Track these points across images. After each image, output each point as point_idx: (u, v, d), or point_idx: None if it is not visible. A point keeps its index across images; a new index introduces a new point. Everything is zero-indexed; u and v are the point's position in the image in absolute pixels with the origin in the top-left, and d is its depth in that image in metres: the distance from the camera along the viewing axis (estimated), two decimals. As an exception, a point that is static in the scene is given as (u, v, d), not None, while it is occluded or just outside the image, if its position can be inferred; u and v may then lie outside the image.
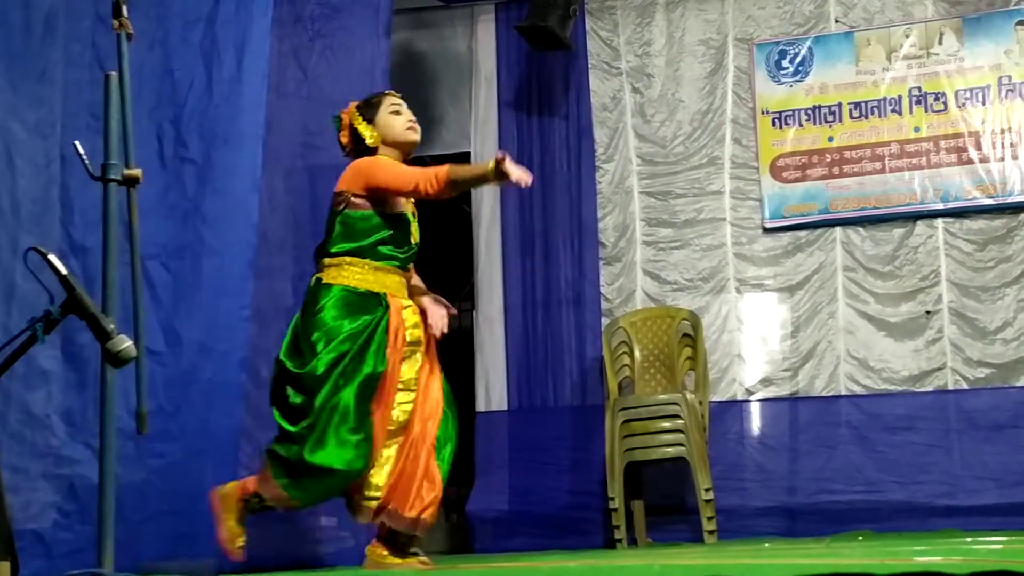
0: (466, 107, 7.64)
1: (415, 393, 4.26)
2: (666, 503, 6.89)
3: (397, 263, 4.32)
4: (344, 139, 4.46)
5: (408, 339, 4.26)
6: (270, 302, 4.75)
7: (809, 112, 7.12)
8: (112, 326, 2.73)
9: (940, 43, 6.92)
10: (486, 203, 7.53)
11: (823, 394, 6.97)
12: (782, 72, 7.19)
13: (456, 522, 7.78)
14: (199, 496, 4.02)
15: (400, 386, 4.22)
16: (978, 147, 6.83)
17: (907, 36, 7.01)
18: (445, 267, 8.95)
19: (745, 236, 7.22)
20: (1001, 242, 6.85)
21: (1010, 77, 6.84)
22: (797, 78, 7.16)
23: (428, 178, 4.15)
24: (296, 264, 4.92)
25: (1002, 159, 6.80)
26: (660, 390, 6.82)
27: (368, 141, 4.37)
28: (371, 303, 4.21)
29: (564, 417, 7.24)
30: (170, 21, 4.41)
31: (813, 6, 7.22)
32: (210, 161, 4.40)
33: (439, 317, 4.34)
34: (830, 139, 7.07)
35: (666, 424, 6.52)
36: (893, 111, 6.98)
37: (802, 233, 7.12)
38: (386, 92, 4.56)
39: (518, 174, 4.02)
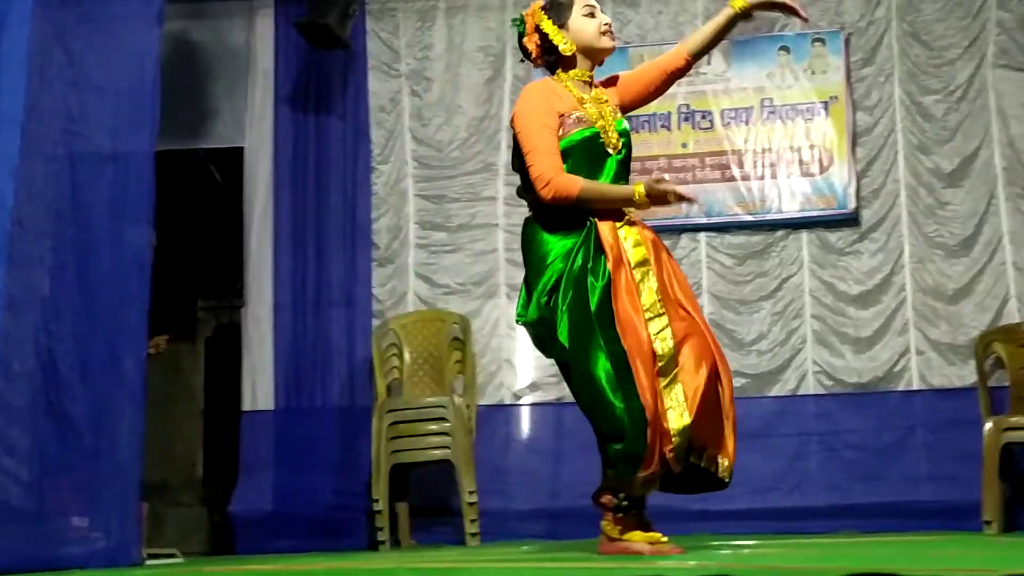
0: (241, 102, 7.50)
1: (666, 316, 3.82)
2: (431, 505, 6.93)
3: (604, 180, 3.94)
4: (530, 45, 4.02)
5: (633, 261, 3.86)
6: (24, 292, 4.55)
7: (583, 123, 7.25)
8: None
9: (708, 63, 7.15)
10: (259, 199, 7.42)
11: (587, 400, 7.10)
12: (558, 83, 7.30)
13: (219, 522, 7.65)
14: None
15: (647, 314, 3.81)
16: (740, 165, 7.09)
17: (678, 54, 7.22)
18: (214, 263, 8.82)
19: (517, 242, 7.28)
20: (759, 257, 7.13)
21: (772, 100, 7.12)
22: (572, 89, 7.29)
23: (554, 186, 3.81)
24: (54, 254, 4.73)
25: (762, 178, 7.07)
26: (428, 393, 6.85)
27: (563, 48, 3.95)
28: (578, 222, 3.86)
29: (331, 418, 7.20)
30: (-80, -1, 4.19)
31: (589, 20, 7.37)
32: (-37, 144, 4.19)
33: None
34: (602, 151, 7.21)
35: (433, 427, 6.55)
36: (663, 126, 7.19)
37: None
38: None
39: (681, 193, 3.79)
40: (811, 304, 7.05)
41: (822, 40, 7.12)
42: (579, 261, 3.81)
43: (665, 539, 3.93)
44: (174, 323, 7.79)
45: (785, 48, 7.14)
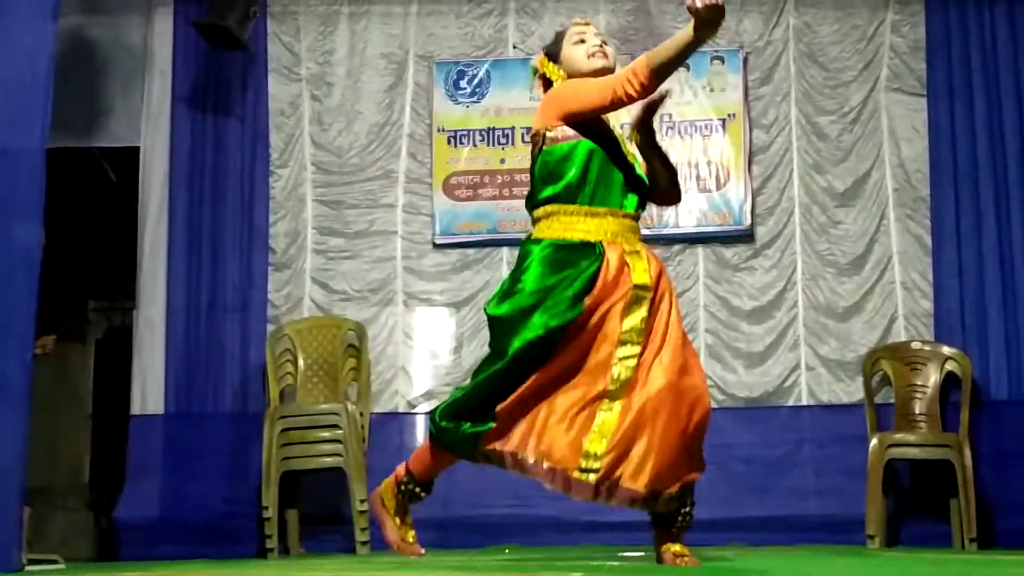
0: (138, 101, 7.37)
1: (639, 346, 3.71)
2: (322, 513, 6.88)
3: (617, 203, 3.86)
4: (540, 89, 4.11)
5: (634, 281, 3.76)
6: None
7: (483, 133, 7.27)
8: None
9: (609, 77, 7.20)
10: (154, 200, 7.30)
11: (482, 409, 7.09)
12: (460, 92, 7.32)
13: (105, 528, 7.52)
14: None
15: (623, 337, 3.72)
16: (638, 180, 7.14)
17: (579, 68, 7.26)
18: (107, 264, 8.67)
19: (415, 250, 7.30)
20: (655, 271, 7.18)
21: (671, 115, 7.19)
22: (474, 99, 7.31)
23: (625, 80, 3.67)
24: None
25: (659, 192, 7.12)
26: (322, 399, 6.80)
27: (555, 81, 4.01)
28: (582, 254, 3.79)
29: (223, 423, 7.11)
30: None
31: (493, 30, 7.39)
32: None
33: None
34: (502, 161, 7.24)
35: (325, 434, 6.51)
36: (563, 138, 7.21)
37: (471, 251, 7.26)
38: (574, 21, 4.09)
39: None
40: (705, 318, 7.13)
41: (721, 58, 7.21)
42: (546, 297, 3.77)
43: (413, 541, 4.12)
44: (63, 323, 7.65)
45: (685, 65, 7.19)
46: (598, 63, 3.98)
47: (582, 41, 4.01)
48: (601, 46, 4.01)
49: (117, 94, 7.40)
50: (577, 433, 3.71)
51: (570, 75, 4.00)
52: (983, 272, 6.91)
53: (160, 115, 7.36)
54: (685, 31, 3.59)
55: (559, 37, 4.10)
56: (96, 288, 9.17)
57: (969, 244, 6.95)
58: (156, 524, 6.88)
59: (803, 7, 7.29)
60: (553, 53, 4.07)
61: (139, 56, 7.41)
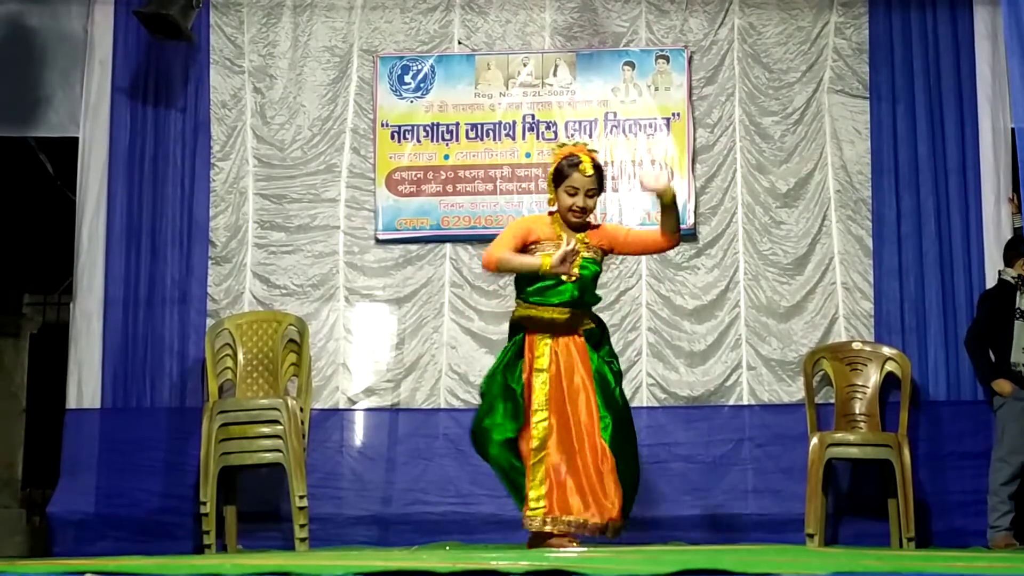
0: (77, 90, 7.27)
1: (546, 411, 4.96)
2: (260, 509, 6.82)
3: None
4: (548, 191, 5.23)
5: (536, 366, 5.01)
6: None
7: (427, 129, 7.23)
8: None
9: (555, 75, 7.20)
10: (92, 191, 7.20)
11: (423, 407, 7.08)
12: (404, 87, 7.27)
13: (39, 525, 7.41)
14: None
15: (534, 407, 4.98)
16: (583, 177, 7.13)
17: (524, 65, 7.25)
18: (43, 257, 8.55)
19: (357, 246, 7.25)
20: (598, 269, 7.17)
21: (616, 113, 7.19)
22: (418, 94, 7.26)
23: (485, 256, 5.07)
24: None
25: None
26: (261, 395, 6.74)
27: (549, 205, 5.20)
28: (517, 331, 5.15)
29: (161, 418, 7.03)
30: None
31: (438, 26, 7.35)
32: None
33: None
34: (446, 157, 7.21)
35: (265, 429, 6.45)
36: (507, 135, 7.20)
37: (413, 247, 7.21)
38: (579, 166, 5.07)
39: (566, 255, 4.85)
40: (648, 317, 7.13)
41: (666, 57, 7.22)
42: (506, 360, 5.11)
43: None
44: (-3, 317, 7.53)
45: (630, 63, 7.22)
46: (572, 219, 5.08)
47: (573, 194, 5.04)
48: (582, 210, 5.05)
49: (56, 84, 7.28)
50: None
51: (558, 209, 5.12)
52: (923, 273, 6.97)
53: (100, 106, 7.26)
54: (534, 263, 4.96)
55: (566, 173, 5.07)
56: (31, 281, 9.04)
57: (909, 246, 7.01)
58: (91, 520, 6.79)
59: (748, 8, 7.31)
60: (555, 182, 5.11)
61: (79, 45, 7.30)
